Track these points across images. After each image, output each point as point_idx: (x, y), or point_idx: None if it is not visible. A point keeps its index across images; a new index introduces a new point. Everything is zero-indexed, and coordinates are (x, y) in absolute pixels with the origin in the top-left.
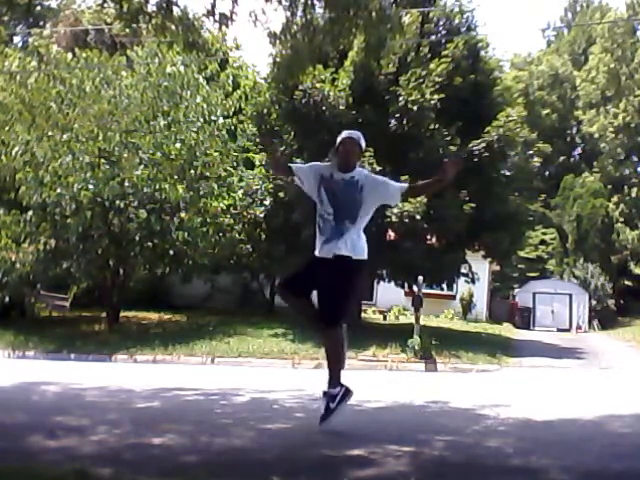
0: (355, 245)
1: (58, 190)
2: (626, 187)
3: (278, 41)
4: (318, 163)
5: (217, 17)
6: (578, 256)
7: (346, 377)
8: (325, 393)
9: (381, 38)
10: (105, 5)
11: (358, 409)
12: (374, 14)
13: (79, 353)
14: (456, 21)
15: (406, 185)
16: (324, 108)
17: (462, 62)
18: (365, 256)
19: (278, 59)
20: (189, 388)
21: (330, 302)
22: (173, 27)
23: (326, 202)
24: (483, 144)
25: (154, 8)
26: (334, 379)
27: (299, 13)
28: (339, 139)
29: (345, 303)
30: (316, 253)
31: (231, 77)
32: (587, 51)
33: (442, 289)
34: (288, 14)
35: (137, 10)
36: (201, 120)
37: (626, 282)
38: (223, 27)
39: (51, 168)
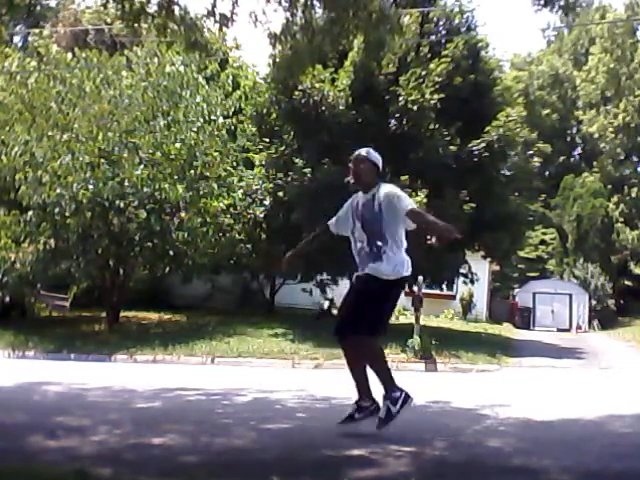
0: (388, 262)
1: (58, 190)
2: (626, 187)
3: (278, 42)
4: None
5: (217, 18)
6: (578, 256)
7: (346, 377)
8: (384, 397)
9: (381, 39)
10: (108, 5)
11: None
12: (374, 15)
13: (79, 353)
14: (456, 21)
15: (412, 206)
16: (324, 108)
17: (462, 62)
18: (399, 274)
19: (278, 59)
20: (189, 388)
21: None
22: (175, 27)
23: (360, 230)
24: (483, 144)
25: (156, 8)
26: (387, 385)
27: (299, 14)
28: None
29: (359, 316)
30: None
31: (231, 77)
32: (589, 51)
33: (442, 289)
34: (288, 15)
35: (139, 10)
36: (201, 120)
37: (626, 282)
38: (223, 27)
39: (50, 168)
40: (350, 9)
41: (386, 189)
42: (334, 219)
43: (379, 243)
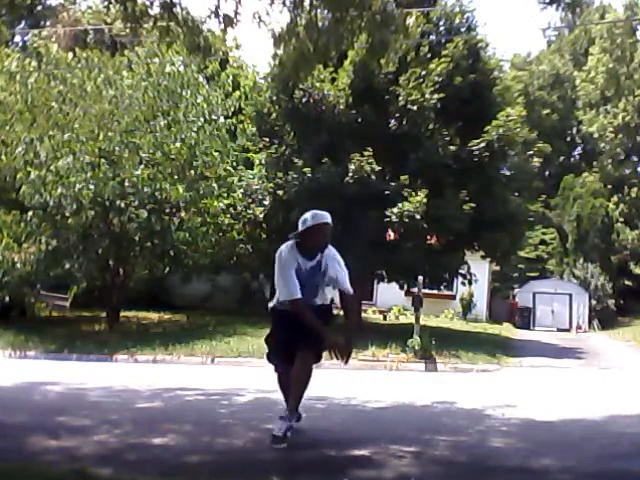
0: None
1: (59, 190)
2: (626, 187)
3: (282, 42)
4: (285, 254)
5: (221, 18)
6: (578, 256)
7: (346, 377)
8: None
9: (385, 39)
10: (110, 7)
11: (358, 409)
12: (378, 16)
13: (80, 353)
14: (456, 21)
15: (348, 288)
16: (324, 107)
17: (462, 62)
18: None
19: (284, 59)
20: (189, 388)
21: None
22: (179, 30)
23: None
24: (483, 144)
25: (159, 10)
26: (298, 405)
27: (304, 14)
28: (314, 221)
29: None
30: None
31: (231, 77)
32: (589, 51)
33: (441, 289)
34: (292, 15)
35: (142, 12)
36: (201, 120)
37: (626, 282)
38: (227, 28)
39: (52, 168)
40: (354, 9)
41: (331, 254)
42: (298, 289)
43: (314, 299)
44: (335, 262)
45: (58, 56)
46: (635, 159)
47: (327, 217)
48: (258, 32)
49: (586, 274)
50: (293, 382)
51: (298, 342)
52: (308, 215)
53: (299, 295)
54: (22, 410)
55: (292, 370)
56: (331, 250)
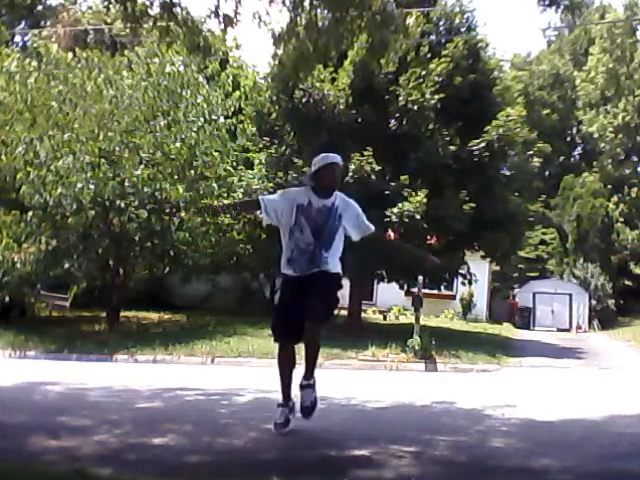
0: (334, 263)
1: (59, 190)
2: (626, 187)
3: (282, 42)
4: (291, 190)
5: (221, 18)
6: (578, 256)
7: (347, 377)
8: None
9: (385, 39)
10: (110, 7)
11: (358, 409)
12: (378, 16)
13: (80, 353)
14: (456, 21)
15: (373, 229)
16: (324, 107)
17: (462, 62)
18: (339, 270)
19: (284, 58)
20: (189, 388)
21: (317, 300)
22: (179, 30)
23: (307, 232)
24: (483, 144)
25: (158, 10)
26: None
27: (304, 15)
28: (321, 163)
29: (328, 305)
30: (290, 273)
31: (231, 77)
32: (588, 51)
33: (440, 290)
34: (292, 15)
35: (142, 12)
36: (201, 120)
37: (626, 282)
38: (227, 28)
39: (52, 168)
40: (354, 9)
41: (345, 199)
42: (269, 198)
43: (324, 252)
44: (351, 208)
45: (58, 56)
46: (635, 159)
47: (336, 157)
48: (258, 32)
49: (586, 274)
50: (307, 346)
51: (301, 309)
52: (318, 158)
53: (260, 200)
54: (22, 410)
55: (304, 335)
56: (346, 198)
